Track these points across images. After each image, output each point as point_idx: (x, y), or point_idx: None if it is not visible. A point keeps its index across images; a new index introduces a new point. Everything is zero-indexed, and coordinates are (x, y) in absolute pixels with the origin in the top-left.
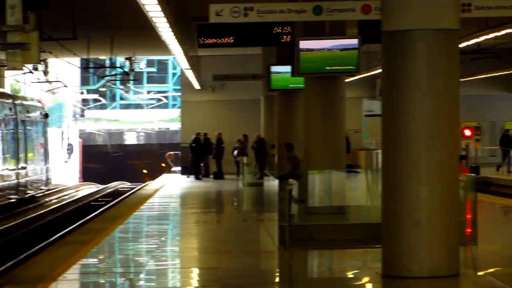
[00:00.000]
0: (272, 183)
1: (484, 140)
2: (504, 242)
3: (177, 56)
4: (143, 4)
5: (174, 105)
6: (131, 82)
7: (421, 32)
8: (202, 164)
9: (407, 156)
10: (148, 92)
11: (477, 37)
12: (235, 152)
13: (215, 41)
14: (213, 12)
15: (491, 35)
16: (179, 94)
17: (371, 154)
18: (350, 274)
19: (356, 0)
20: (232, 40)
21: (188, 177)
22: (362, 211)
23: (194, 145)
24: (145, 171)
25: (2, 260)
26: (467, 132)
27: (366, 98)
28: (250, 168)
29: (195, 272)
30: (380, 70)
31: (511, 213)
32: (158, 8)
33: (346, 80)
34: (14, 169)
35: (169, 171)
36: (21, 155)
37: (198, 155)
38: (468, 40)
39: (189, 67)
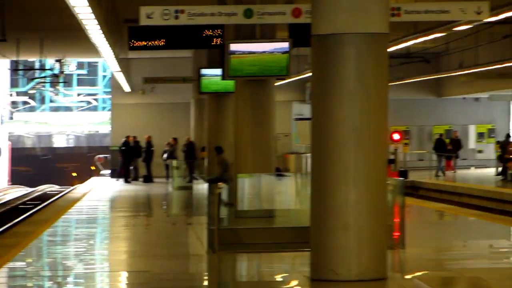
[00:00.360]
0: (201, 187)
1: (412, 144)
2: (432, 246)
3: (107, 58)
4: (73, 6)
5: (104, 108)
6: (61, 84)
7: (350, 36)
8: (131, 167)
9: (335, 160)
10: (78, 95)
11: (406, 41)
12: (165, 155)
13: (146, 43)
14: (143, 15)
15: (420, 40)
16: (109, 96)
17: (301, 157)
18: (278, 278)
19: (287, 4)
20: (163, 43)
21: (117, 180)
22: (291, 215)
23: (123, 148)
24: (74, 174)
25: None
26: (396, 136)
27: (296, 102)
28: (179, 172)
29: (123, 276)
30: (310, 74)
31: (438, 217)
32: (89, 10)
33: (276, 84)
34: None
35: (99, 174)
36: None
37: (127, 158)
38: (397, 44)
39: (119, 69)
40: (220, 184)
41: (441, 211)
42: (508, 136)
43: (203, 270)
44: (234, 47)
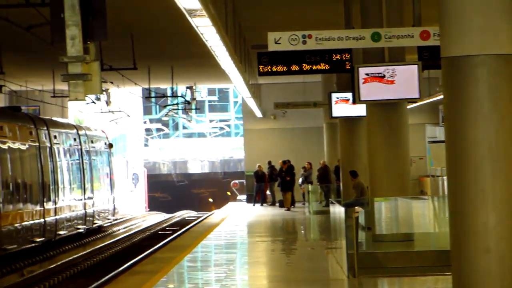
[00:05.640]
0: (338, 211)
1: None
2: None
3: (237, 84)
4: (202, 33)
5: (237, 134)
6: (193, 111)
7: (481, 58)
8: (269, 193)
9: (472, 182)
10: (211, 121)
11: None
12: (300, 180)
13: (275, 69)
14: (271, 40)
15: None
16: (242, 122)
17: (437, 180)
18: None
19: (415, 27)
20: (292, 68)
21: (254, 205)
22: (430, 238)
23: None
24: (210, 199)
25: None
26: None
27: (429, 124)
28: (315, 196)
29: None
30: (441, 96)
31: None
32: (217, 37)
33: (408, 107)
34: (81, 199)
35: (235, 200)
36: (87, 185)
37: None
38: None
39: (250, 95)
40: (357, 208)
41: None
42: None
43: None
44: (363, 70)
